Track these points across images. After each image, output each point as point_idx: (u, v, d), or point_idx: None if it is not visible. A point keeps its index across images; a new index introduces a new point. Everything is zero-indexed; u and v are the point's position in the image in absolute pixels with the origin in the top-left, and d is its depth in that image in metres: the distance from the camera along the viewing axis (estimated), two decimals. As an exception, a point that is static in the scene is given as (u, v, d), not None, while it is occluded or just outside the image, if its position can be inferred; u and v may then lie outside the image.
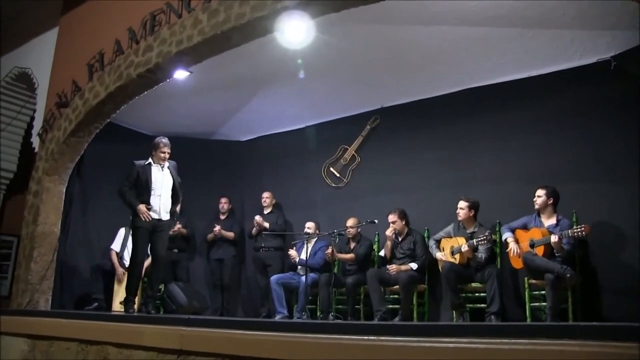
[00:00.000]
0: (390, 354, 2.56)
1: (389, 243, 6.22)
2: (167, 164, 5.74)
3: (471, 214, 5.81)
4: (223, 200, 8.11)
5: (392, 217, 6.25)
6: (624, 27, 5.14)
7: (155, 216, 5.58)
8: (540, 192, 5.38)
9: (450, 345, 2.41)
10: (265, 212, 7.72)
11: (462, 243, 5.68)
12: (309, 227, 7.07)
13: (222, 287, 7.88)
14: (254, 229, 7.62)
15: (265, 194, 7.77)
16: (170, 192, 5.72)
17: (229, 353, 3.20)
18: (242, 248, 8.21)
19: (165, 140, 5.76)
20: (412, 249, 6.12)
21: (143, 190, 5.59)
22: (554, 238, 5.00)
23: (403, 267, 6.00)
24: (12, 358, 4.98)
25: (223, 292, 7.89)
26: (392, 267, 6.01)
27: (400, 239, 6.25)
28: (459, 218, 5.86)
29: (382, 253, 6.36)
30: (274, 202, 7.80)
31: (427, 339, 2.53)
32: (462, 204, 5.84)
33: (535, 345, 2.19)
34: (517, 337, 2.31)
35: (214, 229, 7.81)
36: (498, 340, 2.33)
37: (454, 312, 5.56)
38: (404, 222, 6.26)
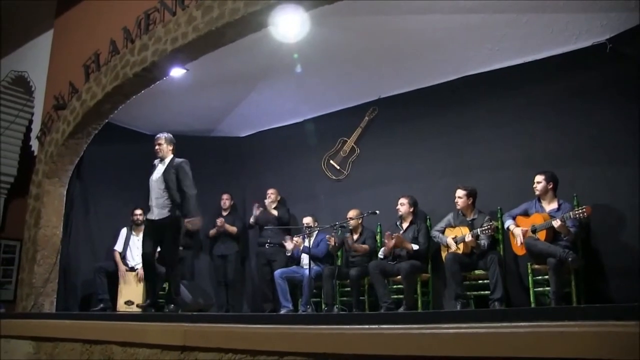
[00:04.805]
0: (392, 342, 2.56)
1: (391, 242, 6.05)
2: (168, 161, 5.58)
3: (469, 202, 5.82)
4: (225, 196, 8.12)
5: (402, 200, 6.28)
6: (618, 9, 5.12)
7: (150, 216, 5.55)
8: (539, 178, 5.37)
9: (451, 331, 2.41)
10: (271, 208, 7.70)
11: (465, 232, 5.67)
12: (307, 222, 7.10)
13: (226, 283, 7.88)
14: (252, 216, 7.67)
15: (270, 191, 7.73)
16: (163, 190, 5.46)
17: (233, 347, 3.20)
18: (245, 244, 8.20)
19: (157, 135, 5.68)
20: (415, 238, 6.12)
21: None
22: (555, 222, 5.00)
23: (406, 243, 6.01)
24: (17, 360, 5.01)
25: (227, 289, 7.90)
26: (389, 236, 6.01)
27: (404, 228, 6.26)
28: (458, 207, 5.86)
29: (381, 254, 6.23)
30: (279, 198, 7.80)
31: (428, 326, 2.53)
32: (460, 192, 5.83)
33: (535, 327, 2.18)
34: (518, 321, 2.30)
35: (218, 221, 7.82)
36: (498, 324, 2.32)
37: (457, 303, 5.47)
38: (411, 210, 6.27)
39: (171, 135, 5.71)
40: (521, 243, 5.25)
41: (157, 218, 5.47)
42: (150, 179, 5.60)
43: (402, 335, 2.54)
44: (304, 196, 7.88)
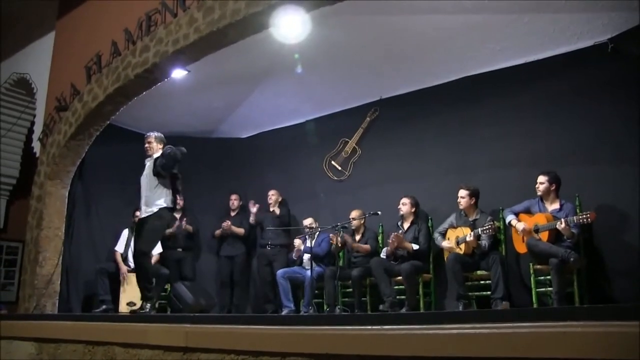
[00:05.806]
0: (394, 343, 2.56)
1: (394, 242, 6.06)
2: (155, 156, 5.53)
3: (472, 202, 5.81)
4: (233, 197, 8.09)
5: (404, 200, 6.30)
6: (619, 9, 5.11)
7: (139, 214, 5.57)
8: (542, 179, 5.35)
9: (454, 331, 2.40)
10: (271, 209, 7.70)
11: (467, 233, 5.66)
12: (308, 223, 7.10)
13: (232, 284, 7.87)
14: (252, 215, 7.67)
15: (271, 192, 7.73)
16: (149, 187, 5.43)
17: (235, 348, 3.19)
18: (253, 244, 8.14)
19: (147, 134, 5.67)
20: (416, 237, 6.12)
21: None
22: (559, 225, 4.98)
23: (406, 243, 6.02)
24: (19, 361, 5.01)
25: (233, 289, 7.88)
26: (394, 235, 6.01)
27: (405, 228, 6.26)
28: (461, 207, 5.85)
29: (384, 254, 6.27)
30: (279, 199, 7.78)
31: (430, 327, 2.52)
32: (463, 192, 5.83)
33: (538, 328, 2.18)
34: (520, 321, 2.30)
35: (224, 224, 7.80)
36: (501, 325, 2.32)
37: (460, 304, 5.48)
38: (412, 210, 6.28)
39: (162, 135, 5.69)
40: (522, 233, 5.26)
41: (143, 216, 5.44)
42: (141, 178, 5.57)
43: (404, 335, 2.54)
44: (305, 197, 7.88)
